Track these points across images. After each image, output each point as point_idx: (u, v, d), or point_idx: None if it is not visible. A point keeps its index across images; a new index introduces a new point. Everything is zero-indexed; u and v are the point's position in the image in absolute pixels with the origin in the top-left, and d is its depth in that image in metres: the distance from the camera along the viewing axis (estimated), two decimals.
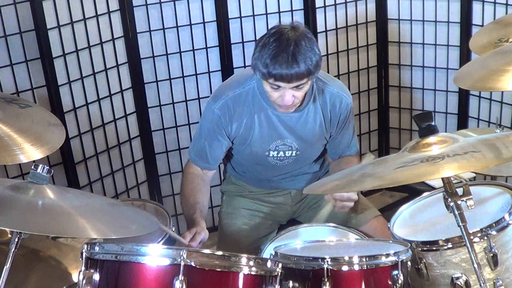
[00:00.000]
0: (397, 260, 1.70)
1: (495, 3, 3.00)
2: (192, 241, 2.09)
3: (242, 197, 2.47)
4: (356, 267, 1.69)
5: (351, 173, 1.78)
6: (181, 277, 1.46)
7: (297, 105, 2.15)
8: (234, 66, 3.16)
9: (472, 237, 1.70)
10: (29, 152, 1.74)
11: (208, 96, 3.08)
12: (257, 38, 3.09)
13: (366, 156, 2.20)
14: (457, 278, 1.78)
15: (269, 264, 1.58)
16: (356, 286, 1.71)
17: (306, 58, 1.98)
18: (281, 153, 2.27)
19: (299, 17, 3.19)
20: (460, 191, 1.63)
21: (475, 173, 2.66)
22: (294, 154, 2.28)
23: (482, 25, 3.04)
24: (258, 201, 2.45)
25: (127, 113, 3.10)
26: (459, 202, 1.60)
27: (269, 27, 3.10)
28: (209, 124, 2.24)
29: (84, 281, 1.52)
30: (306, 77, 2.01)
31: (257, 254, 2.14)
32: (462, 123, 3.33)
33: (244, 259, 1.54)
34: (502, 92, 3.06)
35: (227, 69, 3.15)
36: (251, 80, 2.20)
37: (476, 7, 3.09)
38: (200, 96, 3.18)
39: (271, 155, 2.27)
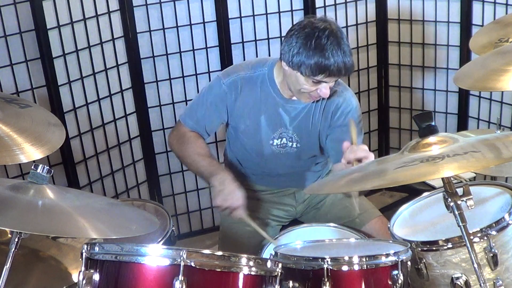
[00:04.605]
0: (397, 260, 1.70)
1: (495, 3, 3.00)
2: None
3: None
4: (356, 267, 1.69)
5: (351, 173, 1.78)
6: (181, 277, 1.46)
7: None
8: None
9: (472, 237, 1.70)
10: (29, 152, 1.74)
11: None
12: (257, 39, 3.14)
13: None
14: (457, 278, 1.78)
15: (269, 264, 1.58)
16: (356, 286, 1.71)
17: (350, 54, 2.04)
18: (284, 140, 2.29)
19: (299, 17, 3.17)
20: (460, 191, 1.63)
21: (475, 173, 2.66)
22: (294, 145, 2.30)
23: (482, 25, 3.04)
24: (262, 202, 2.45)
25: (127, 113, 3.10)
26: (459, 202, 1.60)
27: (269, 27, 3.15)
28: (213, 97, 2.27)
29: (84, 281, 1.52)
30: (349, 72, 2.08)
31: (257, 253, 2.14)
32: (462, 123, 3.33)
33: (244, 259, 1.54)
34: (502, 92, 3.06)
35: None
36: (263, 67, 2.24)
37: (476, 7, 3.10)
38: None
39: (275, 143, 2.29)
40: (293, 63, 2.06)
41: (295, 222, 2.46)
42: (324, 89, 2.08)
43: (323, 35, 2.01)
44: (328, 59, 2.00)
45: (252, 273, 1.55)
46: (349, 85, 3.38)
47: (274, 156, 2.33)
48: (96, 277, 1.53)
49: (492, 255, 1.74)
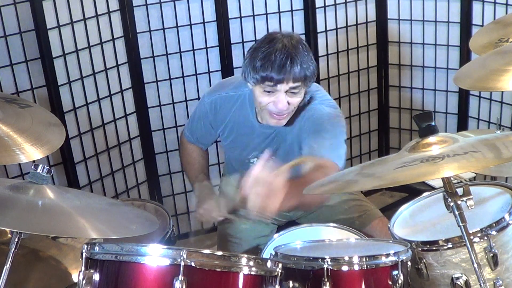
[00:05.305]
0: (397, 260, 1.70)
1: (495, 3, 3.00)
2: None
3: None
4: (356, 267, 1.69)
5: (350, 173, 1.78)
6: (181, 277, 1.46)
7: (291, 114, 2.07)
8: (234, 66, 3.16)
9: (472, 237, 1.70)
10: (29, 152, 1.74)
11: None
12: (257, 39, 3.14)
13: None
14: (457, 278, 1.77)
15: (269, 264, 1.58)
16: (356, 286, 1.71)
17: (303, 61, 1.94)
18: None
19: (299, 17, 3.19)
20: (460, 191, 1.63)
21: (475, 173, 2.66)
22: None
23: (482, 25, 3.04)
24: None
25: (127, 113, 3.10)
26: (459, 202, 1.60)
27: (269, 27, 3.15)
28: (199, 114, 2.34)
29: (84, 281, 1.52)
30: (301, 80, 1.95)
31: (257, 253, 2.14)
32: (462, 123, 3.33)
33: (244, 259, 1.54)
34: (502, 92, 3.06)
35: (227, 69, 3.15)
36: (246, 87, 2.18)
37: (476, 7, 3.10)
38: (200, 96, 3.18)
39: (251, 161, 2.26)
40: (242, 73, 2.02)
41: (294, 222, 2.45)
42: (280, 103, 1.96)
43: (272, 42, 1.95)
44: (267, 63, 1.92)
45: (252, 273, 1.54)
46: (349, 85, 3.42)
47: None
48: (96, 277, 1.53)
49: (492, 255, 1.74)
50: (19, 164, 2.72)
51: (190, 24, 3.06)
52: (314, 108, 2.13)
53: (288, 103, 2.00)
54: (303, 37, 3.19)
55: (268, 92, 1.98)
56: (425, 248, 1.82)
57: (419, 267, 1.83)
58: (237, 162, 2.35)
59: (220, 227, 2.48)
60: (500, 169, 2.36)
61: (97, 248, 1.54)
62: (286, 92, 1.97)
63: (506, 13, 2.94)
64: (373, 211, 2.37)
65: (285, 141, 2.20)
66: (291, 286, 1.69)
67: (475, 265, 1.58)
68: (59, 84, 2.80)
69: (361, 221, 2.30)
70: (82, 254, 1.57)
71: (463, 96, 3.29)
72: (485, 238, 1.75)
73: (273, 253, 1.85)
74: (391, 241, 1.93)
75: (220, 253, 1.52)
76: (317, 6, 3.18)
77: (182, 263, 1.47)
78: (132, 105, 3.12)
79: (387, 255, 1.71)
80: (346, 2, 3.26)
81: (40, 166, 1.66)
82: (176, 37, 3.07)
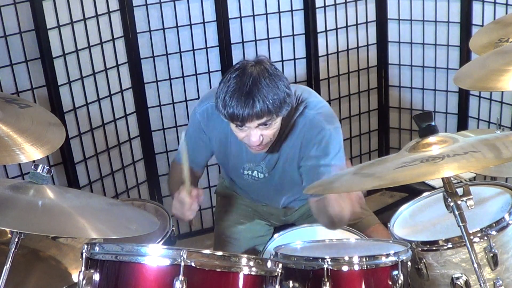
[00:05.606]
0: (397, 260, 1.70)
1: (495, 3, 3.00)
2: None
3: (236, 199, 2.47)
4: (356, 267, 1.69)
5: (350, 173, 1.78)
6: (181, 277, 1.46)
7: (269, 145, 2.03)
8: None
9: (472, 237, 1.70)
10: (29, 152, 1.74)
11: None
12: (257, 38, 3.15)
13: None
14: (457, 278, 1.78)
15: (269, 264, 1.58)
16: (356, 286, 1.71)
17: (267, 96, 1.86)
18: (255, 173, 2.21)
19: (299, 17, 3.19)
20: (460, 191, 1.63)
21: (475, 173, 2.66)
22: (265, 175, 2.21)
23: (482, 25, 3.04)
24: (251, 208, 2.44)
25: (127, 113, 3.10)
26: (459, 202, 1.60)
27: (269, 27, 3.16)
28: (192, 126, 2.23)
29: (84, 282, 1.52)
30: (266, 116, 1.88)
31: (256, 253, 2.14)
32: (462, 123, 3.33)
33: (244, 259, 1.54)
34: (502, 92, 3.06)
35: (227, 69, 3.11)
36: None
37: (476, 7, 3.10)
38: (200, 96, 3.18)
39: (245, 173, 2.23)
40: (215, 107, 1.96)
41: (292, 224, 2.44)
42: (252, 137, 1.91)
43: (238, 78, 1.88)
44: (231, 102, 1.86)
45: (252, 273, 1.54)
46: (349, 85, 3.42)
47: (248, 183, 2.28)
48: (96, 277, 1.53)
49: (492, 255, 1.74)
50: (19, 164, 2.72)
51: (190, 24, 3.06)
52: (307, 117, 2.07)
53: (262, 135, 1.95)
54: (303, 37, 3.22)
55: (240, 128, 1.95)
56: (425, 248, 1.83)
57: (419, 267, 1.84)
58: (232, 174, 2.32)
59: (217, 227, 2.47)
60: (500, 169, 2.37)
61: (97, 248, 1.54)
62: (257, 127, 1.92)
63: (506, 13, 2.94)
64: (368, 218, 2.34)
65: (281, 151, 2.13)
66: (291, 286, 1.69)
67: (475, 265, 1.58)
68: (59, 84, 2.80)
69: (357, 227, 2.27)
70: (82, 254, 1.57)
71: (463, 96, 3.29)
72: (485, 238, 1.75)
73: (273, 253, 1.85)
74: (391, 241, 1.93)
75: (220, 253, 1.52)
76: (317, 6, 3.18)
77: (182, 263, 1.47)
78: (132, 105, 3.12)
79: (387, 255, 1.71)
80: (346, 2, 3.26)
81: (40, 166, 1.66)
82: (176, 37, 3.07)
